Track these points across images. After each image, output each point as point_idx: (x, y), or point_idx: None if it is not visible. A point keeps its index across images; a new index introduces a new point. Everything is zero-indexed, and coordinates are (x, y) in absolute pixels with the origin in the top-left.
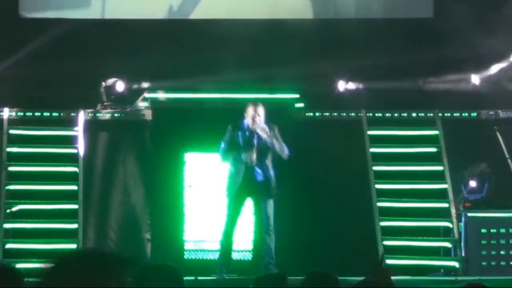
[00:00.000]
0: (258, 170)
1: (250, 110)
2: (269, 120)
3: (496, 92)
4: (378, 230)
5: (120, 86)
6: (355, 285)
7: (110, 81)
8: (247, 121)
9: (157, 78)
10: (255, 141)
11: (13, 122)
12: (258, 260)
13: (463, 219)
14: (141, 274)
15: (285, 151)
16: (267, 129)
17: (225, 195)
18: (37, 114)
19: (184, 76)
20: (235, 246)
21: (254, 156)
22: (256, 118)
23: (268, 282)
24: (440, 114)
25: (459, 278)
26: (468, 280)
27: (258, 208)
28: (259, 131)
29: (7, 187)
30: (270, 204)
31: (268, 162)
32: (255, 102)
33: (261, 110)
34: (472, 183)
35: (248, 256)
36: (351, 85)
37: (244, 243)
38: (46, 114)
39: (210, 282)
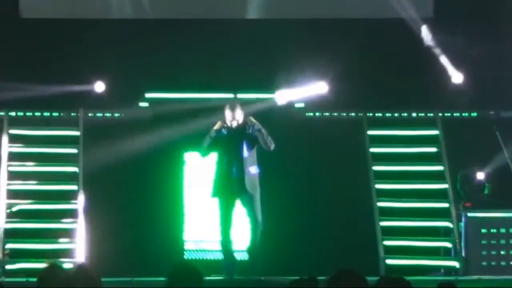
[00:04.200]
0: (237, 168)
1: (227, 114)
2: (267, 119)
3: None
4: (378, 230)
5: (99, 87)
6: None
7: (93, 82)
8: (227, 117)
9: (156, 78)
10: (236, 138)
11: (13, 122)
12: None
13: (463, 219)
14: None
15: (271, 142)
16: (248, 127)
17: (211, 195)
18: (37, 114)
19: (184, 76)
20: (236, 246)
21: (236, 152)
22: (233, 122)
23: (301, 286)
24: (440, 114)
25: (459, 278)
26: (468, 280)
27: (243, 204)
28: (242, 119)
29: (7, 187)
30: (255, 199)
31: (251, 158)
32: (232, 103)
33: (236, 104)
34: (480, 175)
35: (246, 256)
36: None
37: (244, 243)
38: (46, 114)
39: (210, 282)
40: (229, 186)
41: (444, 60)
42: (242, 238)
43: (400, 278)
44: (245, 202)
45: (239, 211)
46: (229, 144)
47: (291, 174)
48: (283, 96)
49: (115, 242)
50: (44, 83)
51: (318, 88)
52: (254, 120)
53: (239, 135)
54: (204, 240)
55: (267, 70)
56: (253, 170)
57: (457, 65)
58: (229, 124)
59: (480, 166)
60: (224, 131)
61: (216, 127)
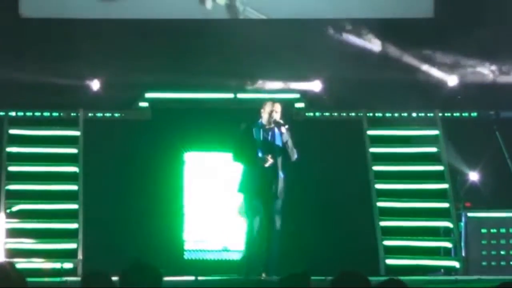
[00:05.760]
0: (271, 170)
1: (268, 106)
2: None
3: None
4: (378, 230)
5: (95, 85)
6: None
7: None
8: (264, 116)
9: (156, 78)
10: (270, 141)
11: (13, 122)
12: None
13: (463, 219)
14: (125, 274)
15: (295, 154)
16: (282, 123)
17: (239, 192)
18: (37, 114)
19: (183, 76)
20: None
21: (268, 155)
22: (273, 113)
23: (292, 282)
24: (440, 114)
25: (459, 278)
26: (468, 280)
27: (265, 207)
28: (275, 125)
29: (7, 187)
30: (278, 204)
31: (279, 162)
32: (272, 100)
33: (278, 107)
34: (473, 176)
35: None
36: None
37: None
38: (46, 114)
39: (210, 282)
40: (263, 188)
41: (433, 70)
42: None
43: (397, 279)
44: (269, 206)
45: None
46: (265, 146)
47: (290, 174)
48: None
49: (114, 242)
50: (43, 82)
51: (313, 86)
52: (284, 130)
53: (273, 137)
54: (204, 240)
55: (266, 70)
56: (282, 173)
57: (456, 65)
58: (266, 120)
59: (474, 167)
60: (261, 130)
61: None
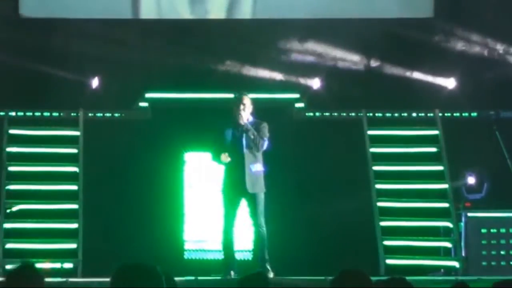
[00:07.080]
0: (239, 167)
1: (236, 101)
2: (266, 119)
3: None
4: (378, 230)
5: (95, 85)
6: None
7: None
8: (235, 113)
9: (156, 78)
10: (242, 137)
11: (13, 122)
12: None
13: (463, 219)
14: (120, 274)
15: (261, 144)
16: (248, 117)
17: (220, 193)
18: (37, 114)
19: (183, 76)
20: (236, 246)
21: (224, 153)
22: (240, 107)
23: (250, 282)
24: (440, 114)
25: (459, 278)
26: (468, 280)
27: (248, 204)
28: (239, 118)
29: (7, 187)
30: (259, 199)
31: (252, 155)
32: (240, 94)
33: (246, 100)
34: (471, 180)
35: (248, 256)
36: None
37: (244, 242)
38: (46, 114)
39: (210, 282)
40: (233, 184)
41: (429, 77)
42: (244, 238)
43: (402, 278)
44: (247, 202)
45: (243, 211)
46: (234, 141)
47: (291, 174)
48: None
49: (114, 242)
50: (43, 82)
51: (312, 84)
52: (244, 122)
53: (242, 132)
54: (204, 240)
55: (266, 69)
56: (255, 167)
57: (456, 65)
58: (238, 119)
59: (471, 169)
60: (233, 129)
61: (223, 158)
